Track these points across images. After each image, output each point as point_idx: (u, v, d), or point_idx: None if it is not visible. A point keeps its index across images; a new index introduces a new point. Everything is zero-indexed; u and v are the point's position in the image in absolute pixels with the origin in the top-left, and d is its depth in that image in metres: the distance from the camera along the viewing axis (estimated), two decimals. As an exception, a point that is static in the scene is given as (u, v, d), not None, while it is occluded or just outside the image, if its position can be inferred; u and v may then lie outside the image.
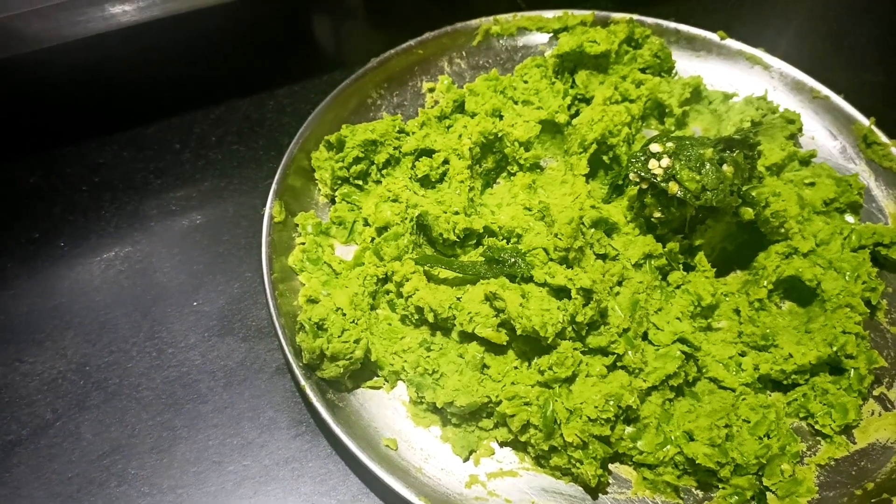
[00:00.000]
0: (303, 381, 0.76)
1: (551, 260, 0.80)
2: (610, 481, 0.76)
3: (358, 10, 1.27)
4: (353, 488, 0.78)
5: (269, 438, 0.81)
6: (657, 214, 0.83)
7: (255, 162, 1.04)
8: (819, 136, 1.00)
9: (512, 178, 0.95)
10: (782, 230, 0.85)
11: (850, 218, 0.93)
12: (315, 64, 1.16)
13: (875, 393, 0.81)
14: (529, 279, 0.79)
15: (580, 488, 0.75)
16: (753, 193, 0.82)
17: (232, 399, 0.84)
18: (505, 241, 0.85)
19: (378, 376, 0.82)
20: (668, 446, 0.75)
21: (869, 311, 0.83)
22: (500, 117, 0.98)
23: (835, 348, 0.78)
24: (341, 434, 0.73)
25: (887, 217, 0.93)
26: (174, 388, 0.85)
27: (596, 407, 0.73)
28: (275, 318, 0.80)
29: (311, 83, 1.12)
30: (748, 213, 0.83)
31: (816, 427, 0.78)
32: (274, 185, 0.89)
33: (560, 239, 0.79)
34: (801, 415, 0.79)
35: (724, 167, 0.80)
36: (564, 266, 0.79)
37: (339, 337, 0.77)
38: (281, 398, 0.84)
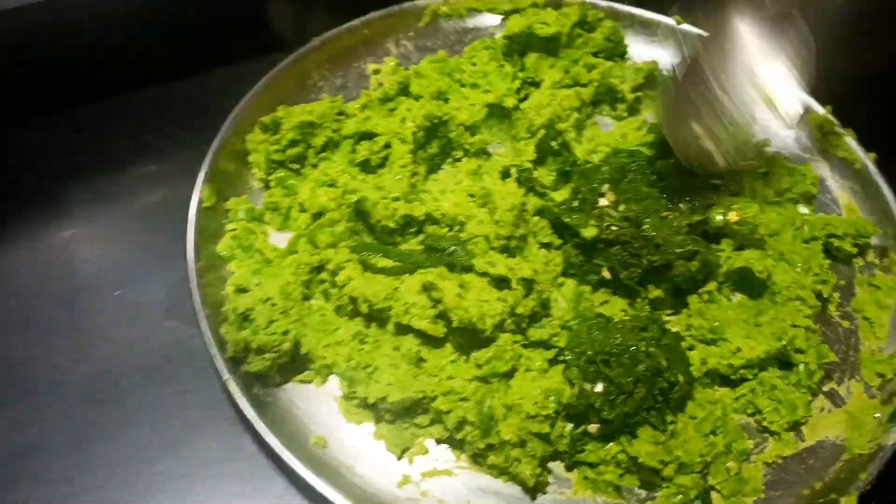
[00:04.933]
0: (226, 375, 0.72)
1: (492, 249, 0.76)
2: (550, 481, 0.72)
3: (305, -13, 1.21)
4: (280, 488, 0.74)
5: (195, 436, 0.77)
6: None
7: (194, 146, 0.97)
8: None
9: (457, 163, 0.91)
10: (755, 237, 0.83)
11: (803, 209, 0.90)
12: (259, 43, 1.10)
13: (825, 389, 0.78)
14: (469, 268, 0.76)
15: (518, 488, 0.72)
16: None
17: (158, 394, 0.79)
18: (447, 228, 0.81)
19: (309, 370, 0.77)
20: (610, 444, 0.72)
21: (820, 304, 0.80)
22: (447, 100, 0.94)
23: (784, 342, 0.76)
24: (265, 432, 0.69)
25: (841, 208, 0.91)
26: (97, 383, 0.80)
27: (535, 403, 0.70)
28: (198, 308, 0.75)
29: (254, 63, 1.05)
30: (716, 221, 0.81)
31: (764, 424, 0.75)
32: (204, 168, 0.84)
33: (501, 226, 0.75)
34: (749, 411, 0.76)
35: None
36: (506, 255, 0.75)
37: (265, 328, 0.73)
38: (209, 393, 0.78)
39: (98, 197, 0.93)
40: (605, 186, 0.83)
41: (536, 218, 0.82)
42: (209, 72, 1.06)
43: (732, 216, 0.82)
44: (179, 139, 0.99)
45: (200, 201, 0.82)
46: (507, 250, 0.76)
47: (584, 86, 0.95)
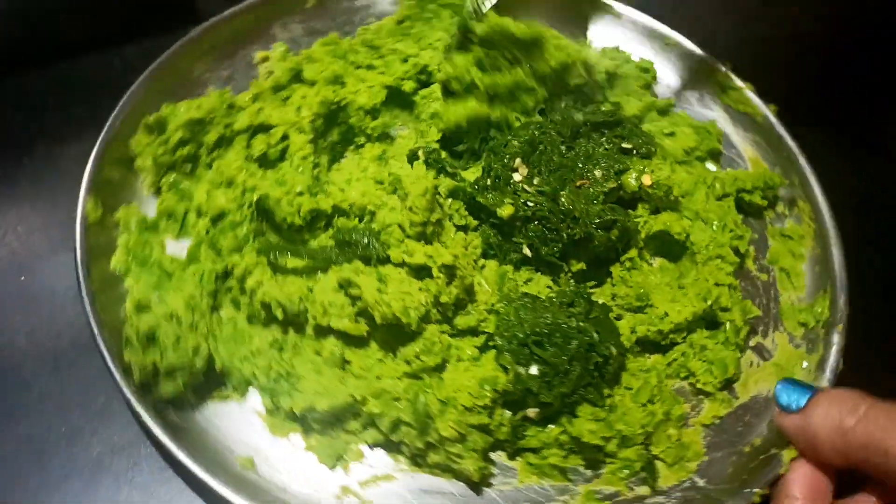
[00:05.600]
0: (136, 405, 0.65)
1: (408, 237, 0.72)
2: (494, 472, 0.70)
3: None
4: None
5: (100, 425, 0.73)
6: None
7: (98, 127, 0.90)
8: (674, 84, 0.97)
9: (360, 150, 0.86)
10: (670, 198, 0.82)
11: (711, 166, 0.90)
12: (168, 17, 1.02)
13: (752, 343, 0.78)
14: (386, 260, 0.72)
15: (462, 484, 0.69)
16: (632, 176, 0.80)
17: (60, 384, 0.75)
18: (358, 219, 0.77)
19: (226, 386, 0.72)
20: (551, 427, 0.70)
21: (739, 260, 0.80)
22: (343, 84, 0.88)
23: (709, 302, 0.75)
24: (188, 462, 0.63)
25: (747, 162, 0.91)
26: None
27: (471, 394, 0.67)
28: (97, 334, 0.68)
29: (163, 39, 0.96)
30: (630, 185, 0.79)
31: (698, 386, 0.75)
32: (85, 180, 0.76)
33: (415, 213, 0.72)
34: (682, 375, 0.76)
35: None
36: (423, 242, 0.72)
37: (173, 348, 0.67)
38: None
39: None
40: (517, 161, 0.80)
41: (450, 200, 0.79)
42: (114, 49, 1.00)
43: (646, 179, 0.81)
44: (80, 120, 0.93)
45: (85, 217, 0.75)
46: (424, 237, 0.73)
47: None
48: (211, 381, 0.71)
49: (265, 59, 0.94)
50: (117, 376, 0.66)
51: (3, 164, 0.90)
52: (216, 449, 0.68)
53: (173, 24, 0.99)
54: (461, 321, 0.71)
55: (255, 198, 0.75)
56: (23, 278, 0.81)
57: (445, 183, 0.78)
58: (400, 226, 0.73)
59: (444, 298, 0.69)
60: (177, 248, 0.79)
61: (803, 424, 0.61)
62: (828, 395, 0.61)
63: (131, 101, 0.82)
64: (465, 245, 0.75)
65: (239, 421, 0.71)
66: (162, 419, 0.66)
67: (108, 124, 0.80)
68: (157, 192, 0.82)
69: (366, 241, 0.73)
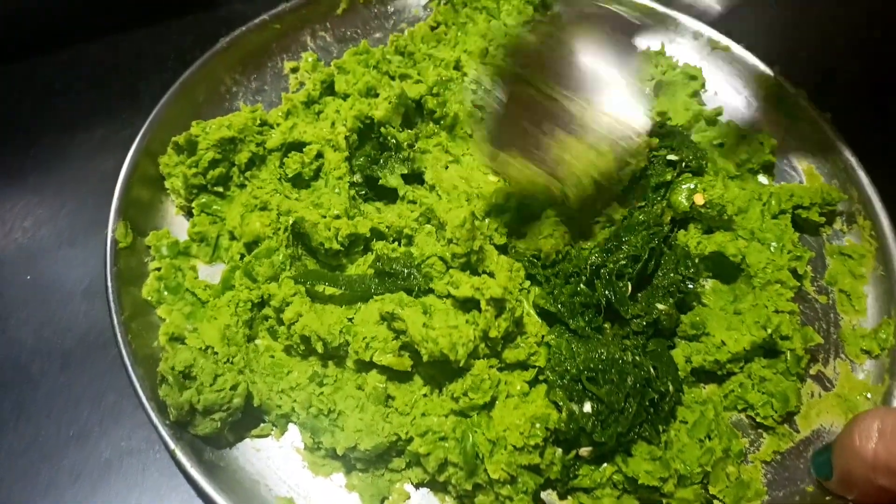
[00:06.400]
0: (172, 445, 0.63)
1: (451, 268, 0.69)
2: (544, 512, 0.67)
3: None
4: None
5: (110, 426, 0.71)
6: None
7: (107, 112, 0.91)
8: (722, 91, 0.93)
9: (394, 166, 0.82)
10: (724, 217, 0.77)
11: (764, 179, 0.86)
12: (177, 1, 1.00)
13: (812, 372, 0.74)
14: (429, 291, 0.68)
15: (511, 525, 0.66)
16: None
17: (69, 382, 0.73)
18: (396, 243, 0.73)
19: (265, 422, 0.69)
20: (605, 465, 0.66)
21: (798, 283, 0.76)
22: (377, 96, 0.85)
23: (769, 330, 0.71)
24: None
25: (801, 174, 0.87)
26: (1, 372, 0.73)
27: (521, 433, 0.64)
28: (130, 369, 0.66)
29: (173, 23, 0.98)
30: (681, 206, 0.77)
31: (758, 419, 0.71)
32: (115, 202, 0.74)
33: (457, 244, 0.68)
34: (740, 407, 0.72)
35: None
36: (468, 273, 0.68)
37: (211, 385, 0.64)
38: (126, 379, 0.69)
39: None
40: None
41: (487, 220, 0.74)
42: (122, 34, 0.97)
43: (698, 199, 0.77)
44: (90, 105, 0.92)
45: (115, 241, 0.72)
46: (469, 266, 0.69)
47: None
48: (248, 418, 0.68)
49: (295, 70, 0.91)
50: (152, 415, 0.64)
51: (9, 154, 0.88)
52: (253, 489, 0.65)
53: (180, 9, 0.99)
54: (510, 354, 0.68)
55: (290, 222, 0.72)
56: (28, 277, 0.79)
57: (478, 205, 0.74)
58: (441, 258, 0.69)
59: (493, 333, 0.66)
60: (209, 272, 0.76)
61: (841, 479, 0.59)
62: (845, 435, 0.58)
63: (160, 116, 0.79)
64: (510, 269, 0.71)
65: (278, 459, 0.68)
66: (198, 459, 0.63)
67: (136, 141, 0.78)
68: (188, 214, 0.79)
69: (406, 272, 0.70)
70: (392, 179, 0.77)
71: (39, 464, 0.68)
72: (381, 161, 0.78)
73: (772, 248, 0.77)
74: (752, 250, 0.77)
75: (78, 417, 0.71)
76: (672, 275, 0.73)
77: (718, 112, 0.89)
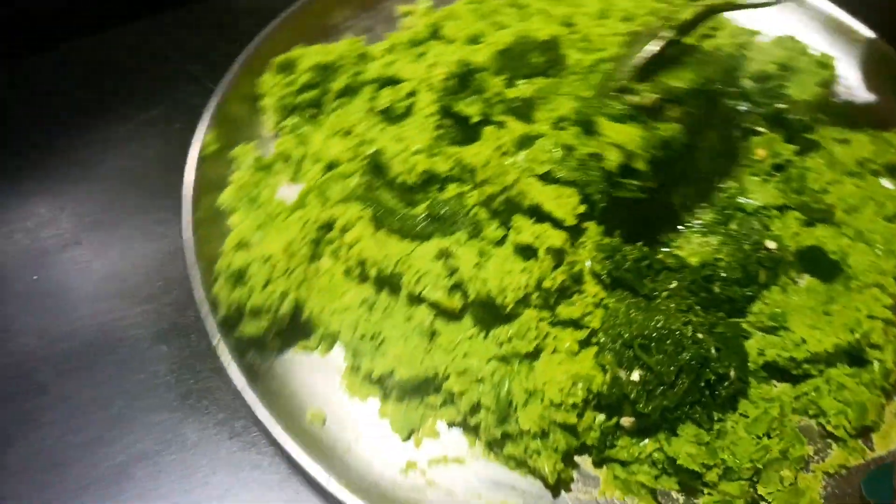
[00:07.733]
0: (215, 340, 0.64)
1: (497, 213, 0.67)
2: (574, 477, 0.63)
3: None
4: (221, 488, 0.65)
5: (120, 431, 0.68)
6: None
7: (106, 112, 0.87)
8: (855, 84, 0.85)
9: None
10: (823, 207, 0.72)
11: (885, 182, 0.78)
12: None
13: (900, 390, 0.67)
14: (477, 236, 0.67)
15: (538, 483, 0.63)
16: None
17: (76, 387, 0.70)
18: (470, 186, 0.72)
19: (312, 337, 0.69)
20: (646, 441, 0.62)
21: (901, 291, 0.69)
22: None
23: (857, 335, 0.65)
24: (255, 403, 0.61)
25: (930, 183, 0.79)
26: (3, 381, 0.70)
27: (561, 389, 0.61)
28: (190, 263, 0.67)
29: (201, 7, 0.95)
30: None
31: (828, 428, 0.65)
32: (210, 110, 0.76)
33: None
34: (811, 412, 0.66)
35: None
36: (534, 219, 0.66)
37: (262, 289, 0.65)
38: (137, 381, 0.70)
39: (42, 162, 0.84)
40: None
41: None
42: (122, 28, 0.93)
43: (760, 152, 0.73)
44: (87, 104, 0.88)
45: (203, 146, 0.74)
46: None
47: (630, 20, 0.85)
48: (297, 331, 0.69)
49: (408, 14, 0.91)
50: (204, 308, 0.65)
51: (7, 153, 0.85)
52: (290, 395, 0.66)
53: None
54: (564, 311, 0.65)
55: (370, 151, 0.72)
56: (35, 277, 0.76)
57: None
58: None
59: (547, 283, 0.63)
60: (290, 192, 0.77)
61: None
62: None
63: (265, 38, 0.81)
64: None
65: (318, 375, 0.68)
66: (240, 357, 0.64)
67: (239, 59, 0.80)
68: (278, 134, 0.81)
69: (452, 217, 0.68)
70: (470, 109, 0.75)
71: (49, 472, 0.66)
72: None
73: (878, 252, 0.70)
74: (857, 251, 0.71)
75: (87, 423, 0.68)
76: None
77: (846, 104, 0.82)
